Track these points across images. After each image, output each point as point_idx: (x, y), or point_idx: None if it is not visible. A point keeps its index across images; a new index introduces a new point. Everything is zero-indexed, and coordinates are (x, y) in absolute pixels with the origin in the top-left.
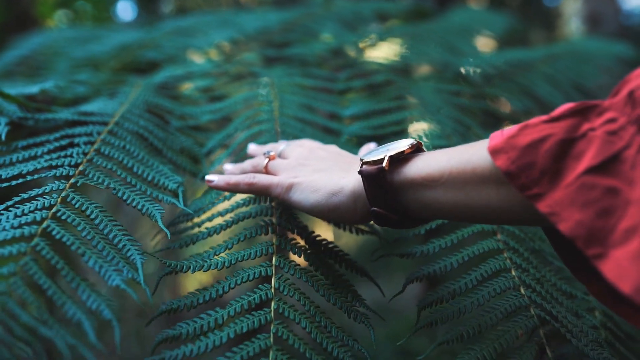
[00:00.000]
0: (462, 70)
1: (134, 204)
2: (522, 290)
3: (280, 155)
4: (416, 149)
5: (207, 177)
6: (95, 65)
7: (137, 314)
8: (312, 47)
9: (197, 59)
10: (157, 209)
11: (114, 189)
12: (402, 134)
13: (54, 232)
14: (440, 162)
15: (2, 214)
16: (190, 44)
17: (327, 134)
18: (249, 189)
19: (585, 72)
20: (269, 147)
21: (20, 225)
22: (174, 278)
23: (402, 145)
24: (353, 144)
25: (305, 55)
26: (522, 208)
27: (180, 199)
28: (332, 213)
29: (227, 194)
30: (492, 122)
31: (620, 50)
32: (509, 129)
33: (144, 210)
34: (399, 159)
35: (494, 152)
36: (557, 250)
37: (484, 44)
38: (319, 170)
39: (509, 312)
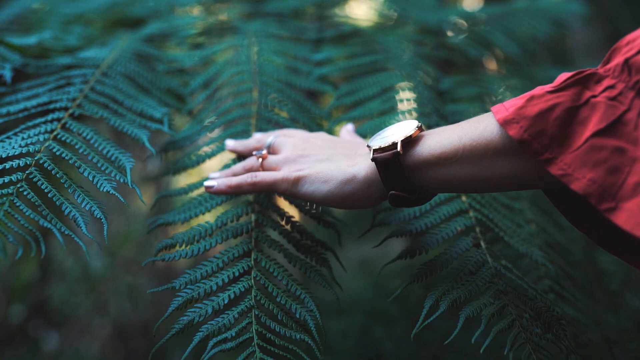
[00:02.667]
0: (435, 25)
1: (124, 130)
2: (464, 198)
3: (270, 149)
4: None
5: (206, 183)
6: (86, 22)
7: (127, 270)
8: (289, 2)
9: (182, 14)
10: (144, 133)
11: (106, 118)
12: (370, 74)
13: (54, 150)
14: (451, 140)
15: (10, 138)
16: (175, 2)
17: (296, 74)
18: (253, 188)
19: (540, 26)
20: (254, 142)
21: (26, 145)
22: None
23: (408, 127)
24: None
25: (282, 9)
26: (535, 173)
27: (166, 125)
28: (346, 201)
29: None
30: (449, 69)
31: (573, 6)
32: (512, 102)
33: (132, 134)
34: (409, 142)
35: (506, 123)
36: (557, 206)
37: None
38: (323, 160)
39: (450, 214)
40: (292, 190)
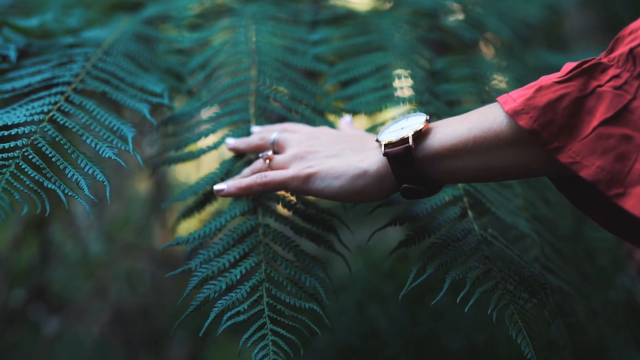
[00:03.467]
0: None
1: (126, 104)
2: None
3: (274, 146)
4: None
5: (216, 187)
6: (86, 5)
7: (127, 256)
8: None
9: None
10: (144, 106)
11: (107, 92)
12: (365, 54)
13: (58, 119)
14: (461, 132)
15: (15, 109)
16: None
17: (293, 54)
18: (264, 188)
19: (533, 10)
20: (256, 140)
21: (31, 115)
22: (165, 220)
23: (418, 121)
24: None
25: None
26: (544, 162)
27: (166, 98)
28: (358, 195)
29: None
30: (443, 51)
31: None
32: (519, 92)
33: (133, 106)
34: (419, 135)
35: (515, 113)
36: (563, 192)
37: None
38: (332, 156)
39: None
40: (302, 187)
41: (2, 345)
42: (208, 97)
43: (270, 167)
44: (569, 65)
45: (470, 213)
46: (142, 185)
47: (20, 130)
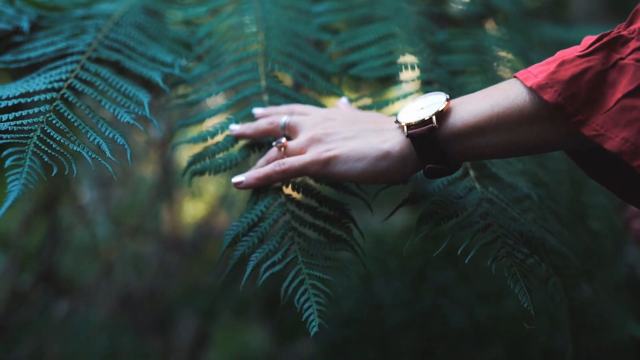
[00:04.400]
0: None
1: (137, 71)
2: None
3: (285, 130)
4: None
5: (234, 180)
6: None
7: (134, 239)
8: None
9: None
10: (157, 74)
11: (120, 62)
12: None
13: (77, 87)
14: (483, 109)
15: (33, 78)
16: None
17: (298, 23)
18: (283, 176)
19: None
20: (264, 124)
21: (50, 82)
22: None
23: (439, 100)
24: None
25: None
26: (566, 136)
27: (177, 68)
28: (380, 177)
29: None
30: (446, 24)
31: None
32: (539, 68)
33: (145, 74)
34: (441, 115)
35: (540, 88)
36: (577, 163)
37: None
38: (351, 138)
39: None
40: (323, 171)
41: (12, 326)
42: (218, 60)
43: (285, 154)
44: (588, 39)
45: (472, 173)
46: (149, 169)
47: (41, 97)
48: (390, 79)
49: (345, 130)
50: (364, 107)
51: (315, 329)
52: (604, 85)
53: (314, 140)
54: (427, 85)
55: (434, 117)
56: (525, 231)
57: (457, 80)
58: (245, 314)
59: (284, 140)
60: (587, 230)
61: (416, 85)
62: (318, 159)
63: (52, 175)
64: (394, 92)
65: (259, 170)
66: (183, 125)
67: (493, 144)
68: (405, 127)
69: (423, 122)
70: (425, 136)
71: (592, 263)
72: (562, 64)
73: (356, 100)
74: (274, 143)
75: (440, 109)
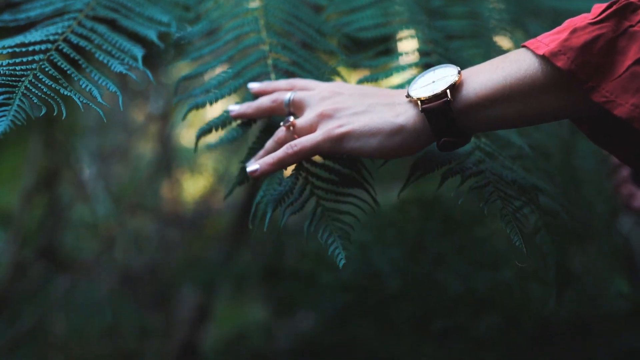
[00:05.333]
0: None
1: (133, 29)
2: None
3: (290, 107)
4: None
5: (249, 169)
6: None
7: (132, 213)
8: None
9: None
10: (152, 31)
11: (116, 20)
12: None
13: (72, 40)
14: (495, 80)
15: (31, 33)
16: None
17: None
18: (296, 158)
19: None
20: (267, 102)
21: (46, 36)
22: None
23: (451, 73)
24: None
25: None
26: (577, 103)
27: (174, 27)
28: (394, 151)
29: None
30: None
31: None
32: (550, 36)
33: (141, 32)
34: (453, 87)
35: (552, 55)
36: (584, 130)
37: None
38: (362, 113)
39: None
40: (336, 148)
41: (14, 300)
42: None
43: (295, 134)
44: (598, 7)
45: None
46: (148, 146)
47: (37, 47)
48: (388, 51)
49: (355, 105)
50: (363, 79)
51: (342, 261)
52: (615, 52)
53: (324, 116)
54: (425, 56)
55: (448, 91)
56: (519, 179)
57: (453, 44)
58: (245, 288)
59: (292, 119)
60: (579, 193)
61: (414, 57)
62: (331, 135)
63: (41, 115)
64: (392, 63)
65: (272, 156)
66: (188, 76)
67: (505, 115)
68: (419, 102)
69: (437, 97)
70: (440, 110)
71: (586, 230)
72: (574, 31)
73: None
74: (281, 123)
75: (453, 82)
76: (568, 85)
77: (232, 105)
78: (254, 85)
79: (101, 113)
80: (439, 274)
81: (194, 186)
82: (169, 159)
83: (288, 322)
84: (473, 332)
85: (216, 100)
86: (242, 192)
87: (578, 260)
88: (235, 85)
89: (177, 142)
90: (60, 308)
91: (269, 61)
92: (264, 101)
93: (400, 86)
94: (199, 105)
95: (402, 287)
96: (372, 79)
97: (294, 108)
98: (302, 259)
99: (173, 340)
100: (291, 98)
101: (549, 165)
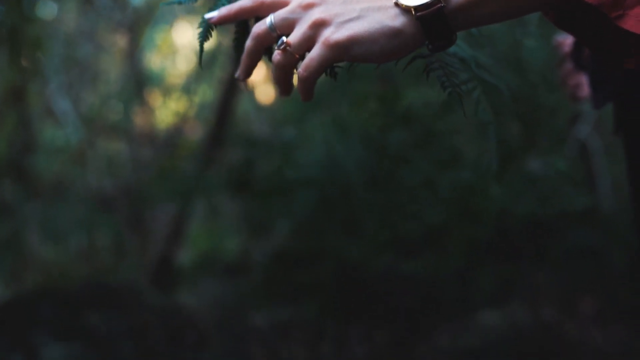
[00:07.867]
0: None
1: None
2: None
3: (277, 30)
4: None
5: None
6: None
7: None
8: None
9: None
10: None
11: None
12: None
13: None
14: None
15: None
16: None
17: None
18: (311, 82)
19: None
20: (249, 3)
21: None
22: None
23: None
24: None
25: None
26: None
27: None
28: (394, 55)
29: None
30: None
31: None
32: None
33: None
34: None
35: None
36: (547, 16)
37: None
38: (357, 19)
39: None
40: (338, 58)
41: None
42: None
43: (295, 53)
44: None
45: None
46: (116, 71)
47: None
48: None
49: (347, 11)
50: None
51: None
52: None
53: (319, 25)
54: None
55: None
56: (459, 52)
57: None
58: (219, 207)
59: (285, 39)
60: (525, 80)
61: None
62: (337, 43)
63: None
64: None
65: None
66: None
67: (494, 11)
68: (412, 10)
69: (430, 4)
70: (435, 16)
71: (532, 116)
72: None
73: None
74: (275, 47)
75: None
76: None
77: (209, 14)
78: (213, 15)
79: None
80: (402, 171)
81: (165, 111)
82: (140, 81)
83: (262, 238)
84: (433, 224)
85: None
86: (214, 105)
87: (535, 163)
88: None
89: (147, 66)
90: (35, 227)
91: None
92: (245, 2)
93: None
94: None
95: (365, 182)
96: None
97: (281, 29)
98: (270, 160)
99: (149, 256)
100: (273, 21)
101: (495, 50)
